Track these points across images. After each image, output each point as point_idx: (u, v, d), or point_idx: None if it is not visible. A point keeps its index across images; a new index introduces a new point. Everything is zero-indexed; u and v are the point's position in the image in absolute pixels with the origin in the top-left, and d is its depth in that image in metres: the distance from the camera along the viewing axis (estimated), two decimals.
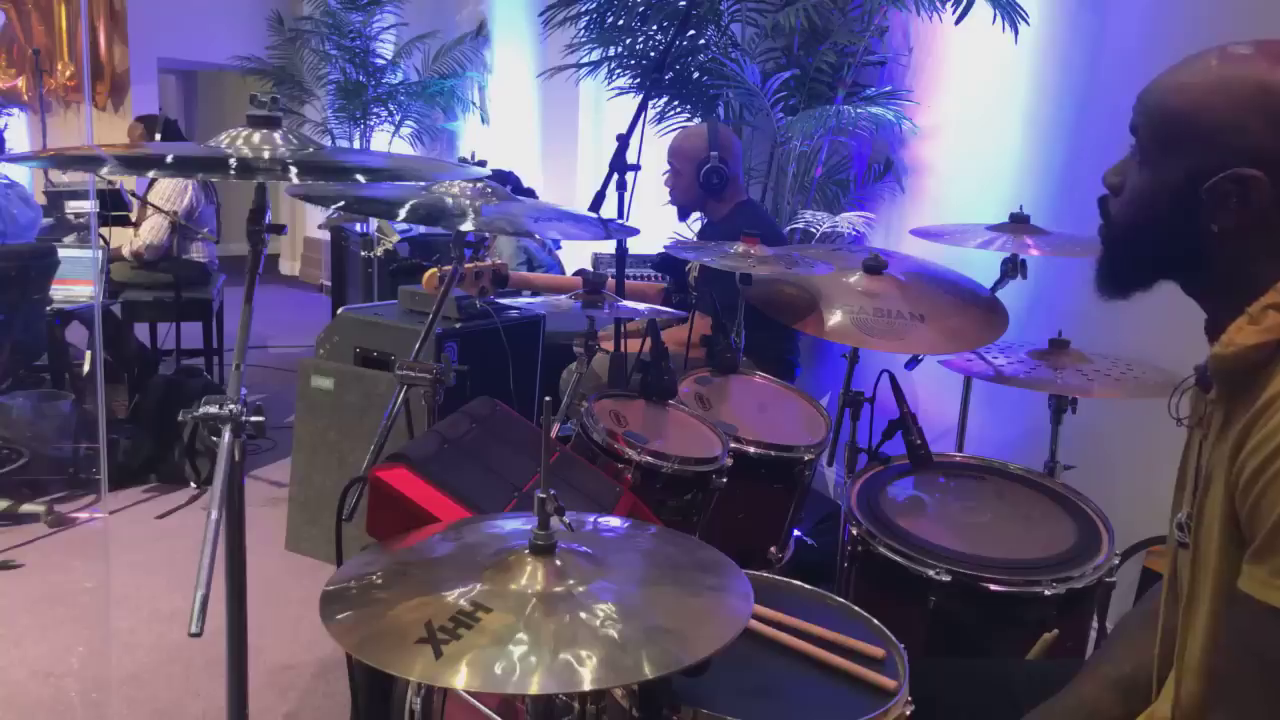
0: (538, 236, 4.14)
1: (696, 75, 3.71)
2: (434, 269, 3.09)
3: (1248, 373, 0.94)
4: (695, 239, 3.45)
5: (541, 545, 1.07)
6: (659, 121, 3.80)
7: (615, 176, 2.27)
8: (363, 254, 5.10)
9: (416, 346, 1.76)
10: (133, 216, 4.72)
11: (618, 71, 3.89)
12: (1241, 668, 0.94)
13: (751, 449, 2.08)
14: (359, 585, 1.11)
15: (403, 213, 1.57)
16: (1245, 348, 0.93)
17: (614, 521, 1.33)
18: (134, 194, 4.85)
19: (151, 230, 4.48)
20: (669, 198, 3.14)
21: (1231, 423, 0.96)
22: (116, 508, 3.57)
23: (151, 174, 1.55)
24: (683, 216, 3.27)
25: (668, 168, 3.09)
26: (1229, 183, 0.94)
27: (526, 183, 4.78)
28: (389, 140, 6.72)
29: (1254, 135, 0.93)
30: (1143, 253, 1.05)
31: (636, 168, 2.30)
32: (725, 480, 1.94)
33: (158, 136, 4.70)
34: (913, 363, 2.33)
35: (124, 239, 4.64)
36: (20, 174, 4.30)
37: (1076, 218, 2.60)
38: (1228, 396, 0.98)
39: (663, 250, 2.98)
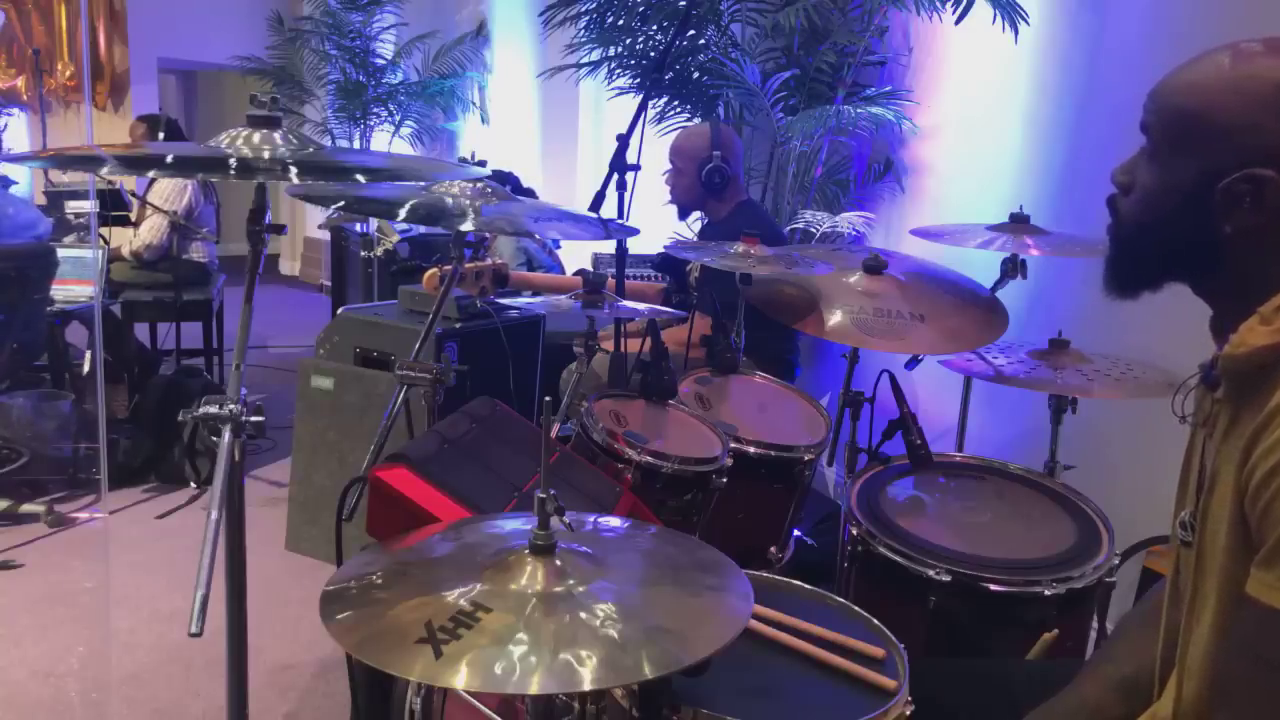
0: (537, 236, 4.15)
1: (696, 75, 3.71)
2: (434, 269, 3.10)
3: (1258, 373, 0.93)
4: (695, 239, 3.45)
5: (541, 545, 1.07)
6: (659, 121, 3.80)
7: (615, 176, 2.28)
8: (363, 254, 5.10)
9: (416, 346, 1.76)
10: (133, 216, 4.72)
11: (618, 71, 3.90)
12: (1247, 671, 0.93)
13: (751, 449, 2.08)
14: (359, 585, 1.11)
15: (403, 213, 1.57)
16: (1257, 348, 0.93)
17: (614, 521, 1.33)
18: (134, 194, 4.85)
19: (151, 230, 4.47)
20: (669, 197, 3.14)
21: (1240, 423, 0.95)
22: (116, 508, 3.57)
23: (151, 174, 1.55)
24: (683, 216, 3.27)
25: (669, 167, 3.09)
26: (1243, 183, 0.93)
27: (526, 183, 4.78)
28: (389, 140, 6.72)
29: (1268, 135, 0.92)
30: (1152, 252, 1.04)
31: (636, 168, 2.30)
32: (725, 480, 1.94)
33: (160, 136, 4.70)
34: (913, 363, 2.33)
35: (124, 239, 4.64)
36: (20, 174, 4.30)
37: (1076, 218, 2.60)
38: (1236, 396, 0.97)
39: (663, 250, 2.98)
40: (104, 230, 4.55)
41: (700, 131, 3.08)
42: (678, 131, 3.27)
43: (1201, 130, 0.96)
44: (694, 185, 3.01)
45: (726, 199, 3.03)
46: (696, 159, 2.98)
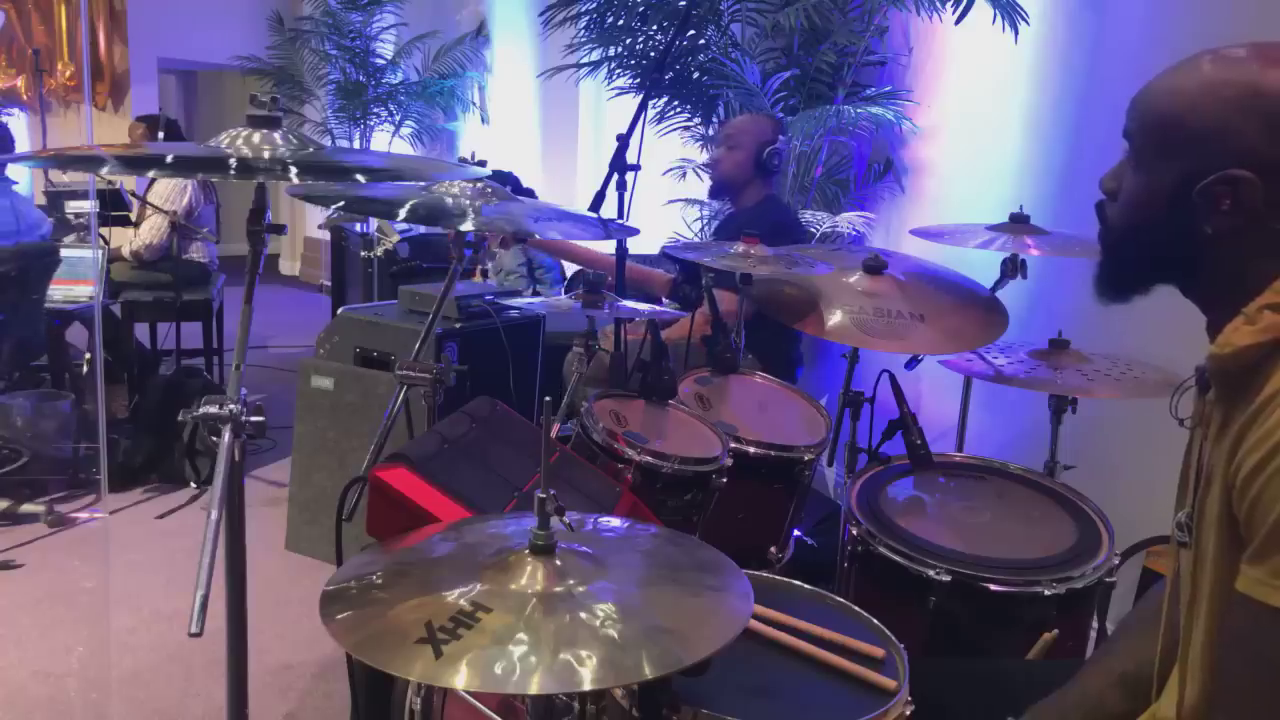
0: (537, 237, 4.15)
1: (696, 75, 3.71)
2: None
3: (1245, 372, 0.94)
4: (697, 237, 3.45)
5: (541, 545, 1.07)
6: (659, 121, 3.80)
7: (615, 176, 2.28)
8: (363, 254, 5.10)
9: (416, 346, 1.76)
10: (133, 216, 4.72)
11: (618, 71, 3.89)
12: (1241, 668, 0.93)
13: (751, 449, 2.08)
14: (359, 585, 1.11)
15: (403, 213, 1.57)
16: (1241, 348, 0.93)
17: (614, 521, 1.33)
18: (134, 194, 4.85)
19: (151, 230, 4.47)
20: (711, 173, 3.13)
21: (1230, 422, 0.96)
22: (116, 508, 3.57)
23: (151, 174, 1.55)
24: (717, 195, 3.27)
25: (718, 146, 3.08)
26: (1220, 184, 0.94)
27: (526, 183, 4.78)
28: (389, 140, 6.72)
29: (1245, 137, 0.93)
30: (1140, 255, 1.05)
31: (636, 168, 2.30)
32: (725, 480, 1.93)
33: (160, 135, 4.70)
34: (913, 363, 2.33)
35: (124, 239, 4.64)
36: (20, 174, 4.30)
37: (1076, 218, 2.59)
38: (1226, 396, 0.98)
39: (661, 251, 2.98)
40: (104, 230, 4.55)
41: (765, 116, 3.12)
42: (677, 129, 3.26)
43: (1180, 134, 0.97)
44: (747, 163, 2.99)
45: (765, 187, 3.04)
46: (760, 138, 2.98)
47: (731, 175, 3.06)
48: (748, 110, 3.60)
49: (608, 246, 2.50)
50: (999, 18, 3.00)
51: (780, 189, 3.63)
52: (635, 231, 1.98)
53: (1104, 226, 1.09)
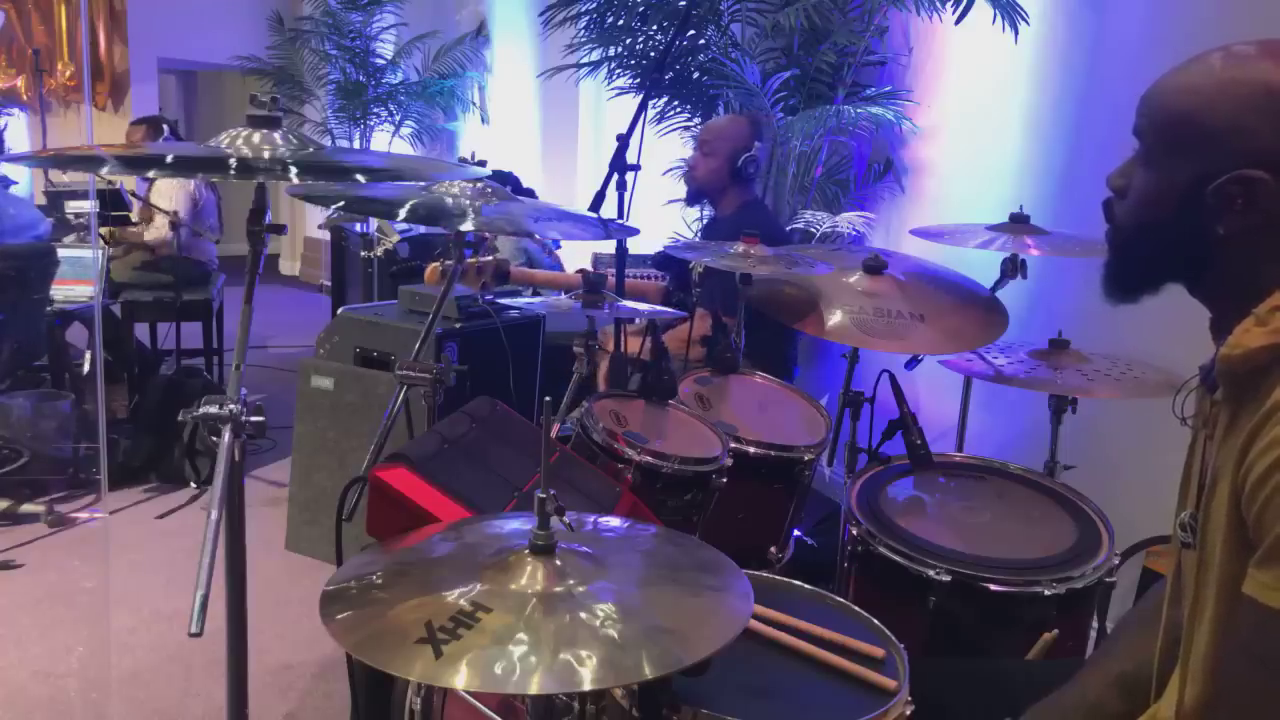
0: (537, 236, 4.15)
1: (696, 75, 3.71)
2: (436, 263, 3.09)
3: (1254, 374, 0.93)
4: (695, 238, 3.45)
5: (541, 545, 1.07)
6: (659, 121, 3.80)
7: (615, 176, 2.28)
8: (363, 254, 5.10)
9: (416, 346, 1.77)
10: (133, 216, 4.72)
11: (618, 71, 3.89)
12: (1245, 671, 0.93)
13: (751, 449, 2.08)
14: (359, 585, 1.11)
15: (403, 213, 1.57)
16: (1252, 349, 0.93)
17: (614, 521, 1.33)
18: (134, 194, 4.85)
19: (166, 224, 4.50)
20: (687, 178, 3.11)
21: (1238, 424, 0.95)
22: (116, 508, 3.57)
23: (152, 174, 1.55)
24: (693, 201, 3.24)
25: (694, 150, 3.06)
26: (1234, 185, 0.94)
27: (526, 183, 4.78)
28: (389, 140, 6.72)
29: (1259, 137, 0.93)
30: (1149, 255, 1.04)
31: (636, 168, 2.30)
32: (725, 480, 1.93)
33: (166, 132, 4.71)
34: (913, 363, 2.33)
35: (134, 235, 4.65)
36: (20, 174, 4.30)
37: (1076, 218, 2.60)
38: (1234, 398, 0.97)
39: (662, 250, 2.97)
40: (104, 230, 4.55)
41: (744, 119, 3.08)
42: (677, 129, 3.25)
43: (1193, 133, 0.96)
44: (722, 170, 2.96)
45: (746, 193, 3.02)
46: (734, 144, 2.94)
47: (706, 182, 3.03)
48: (747, 110, 3.60)
49: (607, 246, 2.51)
50: (999, 18, 3.00)
51: (781, 190, 3.63)
52: (635, 231, 1.98)
53: (1112, 225, 1.08)
